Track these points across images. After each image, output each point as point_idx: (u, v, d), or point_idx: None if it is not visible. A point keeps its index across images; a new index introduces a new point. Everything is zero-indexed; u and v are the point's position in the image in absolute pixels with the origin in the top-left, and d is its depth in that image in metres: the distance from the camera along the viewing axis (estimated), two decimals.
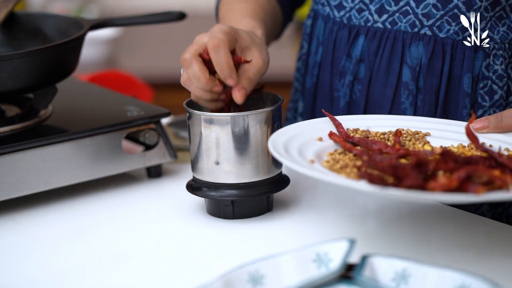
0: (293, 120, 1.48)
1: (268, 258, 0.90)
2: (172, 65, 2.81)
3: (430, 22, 1.23)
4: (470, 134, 1.07)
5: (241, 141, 1.12)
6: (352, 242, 0.90)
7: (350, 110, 1.31)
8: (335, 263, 0.89)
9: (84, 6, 3.36)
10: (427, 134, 1.13)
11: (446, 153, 0.99)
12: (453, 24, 1.22)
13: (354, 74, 1.29)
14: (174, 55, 3.00)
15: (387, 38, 1.26)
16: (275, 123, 1.14)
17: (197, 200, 1.20)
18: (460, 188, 0.92)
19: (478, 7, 1.21)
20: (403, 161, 1.02)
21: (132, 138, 1.31)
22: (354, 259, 0.95)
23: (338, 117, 1.15)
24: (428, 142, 1.11)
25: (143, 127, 1.29)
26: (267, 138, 1.11)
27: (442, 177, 0.94)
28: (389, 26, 1.26)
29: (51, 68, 1.25)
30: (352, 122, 1.15)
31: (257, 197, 1.14)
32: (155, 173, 1.32)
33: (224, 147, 1.12)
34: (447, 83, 1.24)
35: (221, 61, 1.07)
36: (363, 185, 0.94)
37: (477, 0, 1.20)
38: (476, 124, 1.10)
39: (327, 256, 0.91)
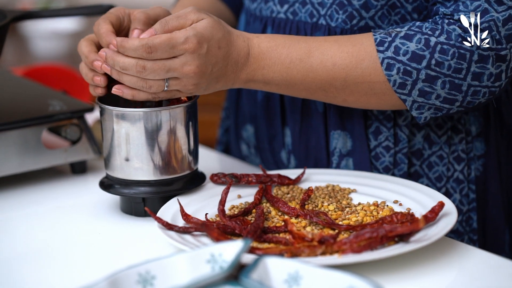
0: (226, 118, 1.46)
1: (160, 258, 0.88)
2: None
3: (324, 11, 1.22)
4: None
5: (152, 138, 1.10)
6: (246, 242, 0.88)
7: (268, 103, 1.30)
8: (228, 264, 0.87)
9: None
10: (354, 191, 1.15)
11: None
12: (341, 12, 1.20)
13: None
14: None
15: (290, 29, 1.25)
16: (189, 120, 1.12)
17: (116, 197, 1.18)
18: None
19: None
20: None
21: (57, 133, 1.29)
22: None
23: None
24: (351, 199, 1.13)
25: (65, 122, 1.27)
26: (180, 135, 1.10)
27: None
28: (291, 17, 1.25)
29: None
30: None
31: (169, 195, 1.12)
32: (79, 169, 1.30)
33: (134, 143, 1.10)
34: None
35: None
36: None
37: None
38: (145, 35, 1.06)
39: (221, 257, 0.89)
